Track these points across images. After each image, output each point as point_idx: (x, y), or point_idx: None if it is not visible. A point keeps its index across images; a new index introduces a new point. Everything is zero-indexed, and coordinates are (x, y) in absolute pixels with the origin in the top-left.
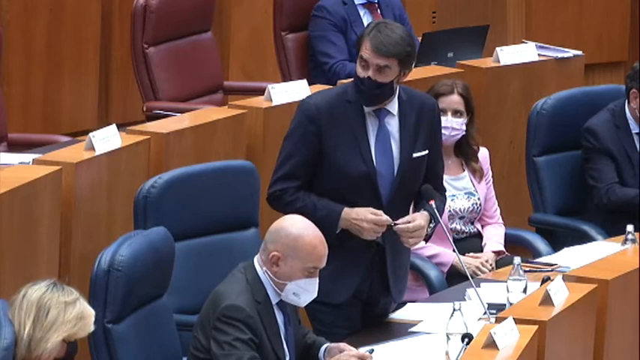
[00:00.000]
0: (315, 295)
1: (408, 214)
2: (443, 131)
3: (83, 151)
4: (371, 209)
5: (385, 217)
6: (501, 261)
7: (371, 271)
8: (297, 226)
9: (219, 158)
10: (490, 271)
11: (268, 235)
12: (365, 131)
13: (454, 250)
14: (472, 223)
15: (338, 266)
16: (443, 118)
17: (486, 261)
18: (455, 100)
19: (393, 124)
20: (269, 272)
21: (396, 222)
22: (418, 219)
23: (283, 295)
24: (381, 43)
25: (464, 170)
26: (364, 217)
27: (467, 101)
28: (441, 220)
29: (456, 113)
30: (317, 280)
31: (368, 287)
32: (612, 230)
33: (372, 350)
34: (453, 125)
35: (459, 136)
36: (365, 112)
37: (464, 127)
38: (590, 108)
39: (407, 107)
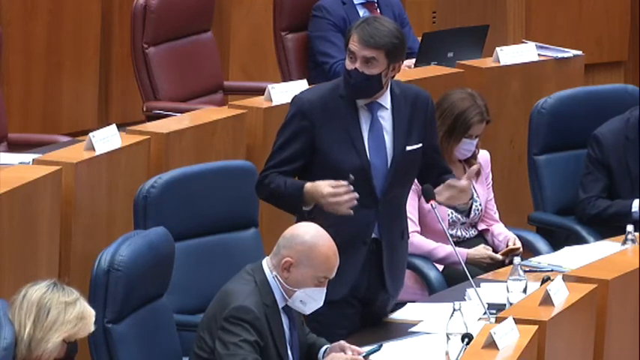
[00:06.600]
0: (322, 304)
1: (404, 206)
2: (464, 152)
3: (83, 151)
4: (329, 181)
5: (342, 182)
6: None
7: (368, 268)
8: (311, 234)
9: (219, 158)
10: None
11: (282, 240)
12: (358, 125)
13: (454, 250)
14: (473, 227)
15: None
16: (469, 141)
17: (513, 242)
18: (483, 126)
19: (386, 118)
20: (279, 277)
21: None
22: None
23: (290, 302)
24: (367, 35)
25: None
26: (321, 194)
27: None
28: (441, 221)
29: (478, 136)
30: (325, 289)
31: (365, 284)
32: (604, 231)
33: (381, 345)
34: (474, 147)
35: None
36: (357, 107)
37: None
38: (591, 108)
39: (400, 101)
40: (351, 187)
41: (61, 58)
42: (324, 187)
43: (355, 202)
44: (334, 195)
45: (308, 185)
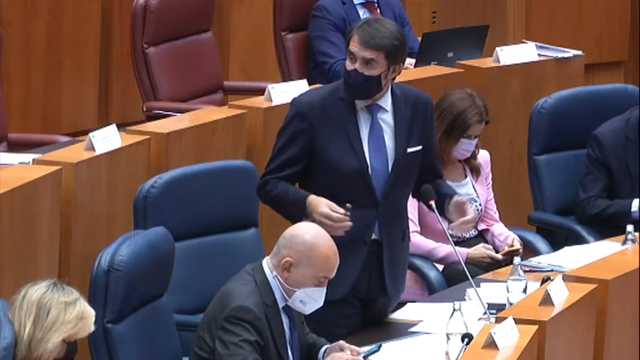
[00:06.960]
0: (322, 304)
1: (405, 208)
2: (463, 152)
3: (83, 151)
4: (331, 203)
5: (340, 212)
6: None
7: (368, 268)
8: (311, 234)
9: (219, 158)
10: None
11: (282, 240)
12: (357, 127)
13: (454, 250)
14: (473, 227)
15: None
16: (468, 141)
17: (511, 243)
18: (482, 126)
19: (386, 120)
20: (279, 277)
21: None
22: (470, 212)
23: (290, 302)
24: (368, 36)
25: (466, 176)
26: (317, 210)
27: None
28: (441, 221)
29: (477, 136)
30: (325, 289)
31: (366, 285)
32: (604, 231)
33: (380, 346)
34: (472, 147)
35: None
36: (357, 109)
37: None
38: (591, 108)
39: (401, 103)
40: (347, 218)
41: (61, 58)
42: (323, 205)
43: (345, 231)
44: (327, 217)
45: (311, 198)
